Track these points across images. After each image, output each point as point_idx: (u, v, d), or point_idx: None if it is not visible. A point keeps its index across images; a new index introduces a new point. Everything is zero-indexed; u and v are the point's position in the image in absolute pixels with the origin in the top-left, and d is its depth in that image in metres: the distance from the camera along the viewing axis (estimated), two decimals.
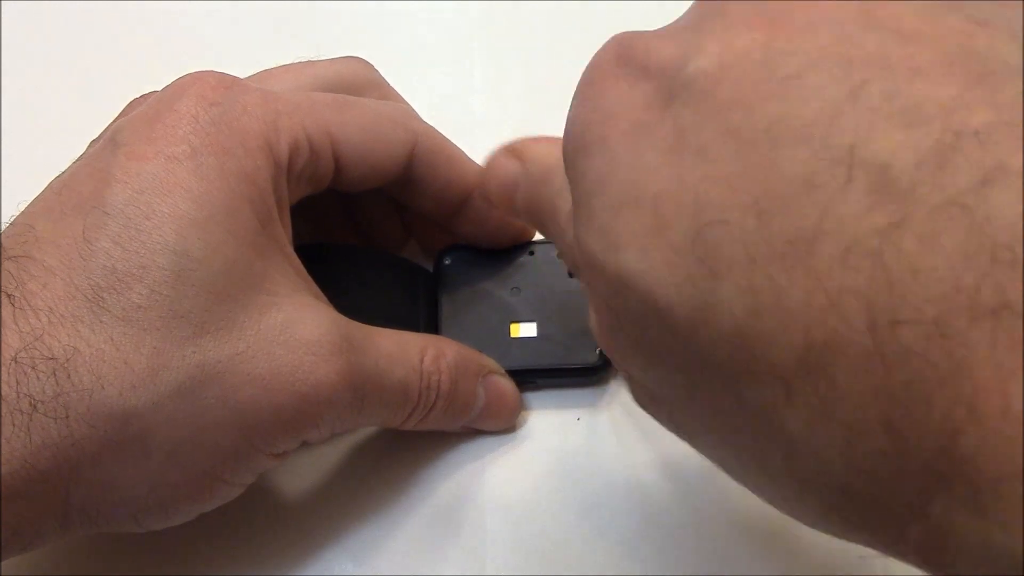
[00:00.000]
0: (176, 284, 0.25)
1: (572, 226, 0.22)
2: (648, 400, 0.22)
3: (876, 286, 0.15)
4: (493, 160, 0.30)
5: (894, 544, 0.17)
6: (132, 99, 0.31)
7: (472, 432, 0.34)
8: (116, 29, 0.46)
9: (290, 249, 0.29)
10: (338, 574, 0.31)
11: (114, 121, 0.30)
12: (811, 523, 0.19)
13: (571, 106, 0.23)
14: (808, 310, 0.16)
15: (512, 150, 0.29)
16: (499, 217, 0.35)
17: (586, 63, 0.23)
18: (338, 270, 0.33)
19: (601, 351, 0.34)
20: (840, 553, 0.30)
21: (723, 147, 0.18)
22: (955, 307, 0.14)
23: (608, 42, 0.22)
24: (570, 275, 0.35)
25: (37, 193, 0.28)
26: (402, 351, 0.30)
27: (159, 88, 0.29)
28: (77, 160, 0.29)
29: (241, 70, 0.31)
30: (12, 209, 0.28)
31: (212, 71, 0.29)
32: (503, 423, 0.34)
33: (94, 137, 0.30)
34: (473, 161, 0.34)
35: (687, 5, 0.21)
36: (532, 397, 0.34)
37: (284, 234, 0.29)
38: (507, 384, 0.33)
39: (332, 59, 0.33)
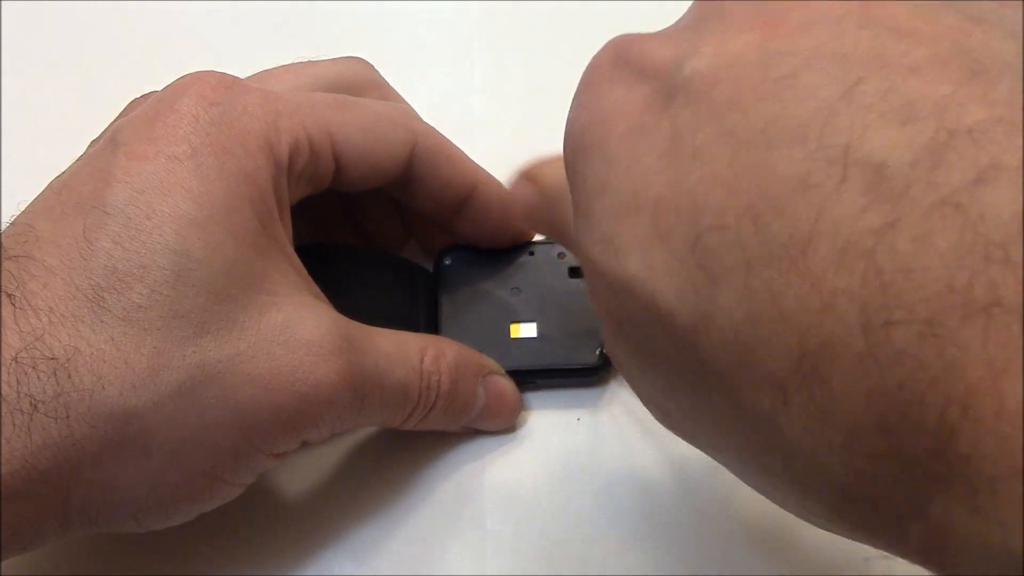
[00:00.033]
0: (176, 284, 0.25)
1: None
2: (650, 403, 0.22)
3: (870, 287, 0.15)
4: (513, 188, 0.30)
5: (896, 544, 0.17)
6: (132, 99, 0.31)
7: (472, 432, 0.34)
8: (116, 29, 0.46)
9: (290, 249, 0.29)
10: (338, 574, 0.31)
11: (114, 121, 0.30)
12: (817, 524, 0.19)
13: (570, 109, 0.23)
14: (803, 314, 0.16)
15: (526, 175, 0.29)
16: (499, 217, 0.35)
17: (586, 64, 0.23)
18: (338, 270, 0.33)
19: (601, 351, 0.34)
20: (843, 554, 0.30)
21: (720, 148, 0.18)
22: (948, 306, 0.14)
23: (606, 44, 0.22)
24: (571, 275, 0.35)
25: (37, 193, 0.28)
26: (402, 351, 0.30)
27: (159, 88, 0.29)
28: (77, 160, 0.29)
29: (241, 70, 0.31)
30: (12, 209, 0.28)
31: (212, 71, 0.29)
32: (503, 423, 0.34)
33: (94, 137, 0.30)
34: (473, 161, 0.34)
35: (687, 5, 0.21)
36: (532, 397, 0.34)
37: (284, 234, 0.29)
38: (507, 384, 0.33)
39: (332, 59, 0.33)
